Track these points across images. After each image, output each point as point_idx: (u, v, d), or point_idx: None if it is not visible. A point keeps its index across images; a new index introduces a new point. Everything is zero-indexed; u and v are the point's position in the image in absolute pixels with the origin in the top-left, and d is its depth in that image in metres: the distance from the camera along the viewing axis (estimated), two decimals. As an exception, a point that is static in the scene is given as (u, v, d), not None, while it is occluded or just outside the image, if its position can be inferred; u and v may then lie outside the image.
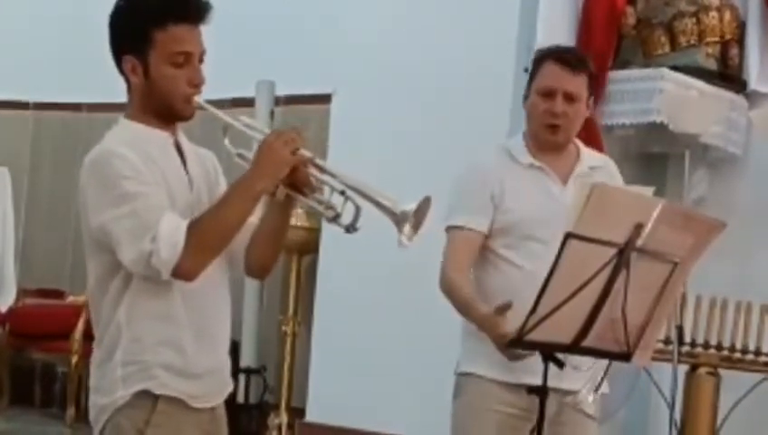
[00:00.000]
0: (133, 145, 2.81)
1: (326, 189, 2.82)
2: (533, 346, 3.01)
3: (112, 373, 2.83)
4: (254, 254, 2.98)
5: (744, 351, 5.17)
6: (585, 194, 2.89)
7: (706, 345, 5.19)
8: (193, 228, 2.72)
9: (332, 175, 2.80)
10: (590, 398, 3.43)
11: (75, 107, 8.70)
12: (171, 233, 2.70)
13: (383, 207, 2.74)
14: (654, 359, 4.49)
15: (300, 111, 7.43)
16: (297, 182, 2.82)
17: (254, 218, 2.94)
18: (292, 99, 7.54)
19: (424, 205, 2.76)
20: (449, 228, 3.57)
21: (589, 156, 3.70)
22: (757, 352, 5.17)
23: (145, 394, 2.82)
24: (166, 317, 2.82)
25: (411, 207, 2.73)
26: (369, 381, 6.20)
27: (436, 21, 6.15)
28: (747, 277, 5.51)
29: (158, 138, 2.89)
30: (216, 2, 2.88)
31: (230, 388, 3.02)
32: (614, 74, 5.71)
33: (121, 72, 2.90)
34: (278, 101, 7.56)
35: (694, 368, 5.21)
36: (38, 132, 9.05)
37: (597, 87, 5.68)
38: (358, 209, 2.75)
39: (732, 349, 5.18)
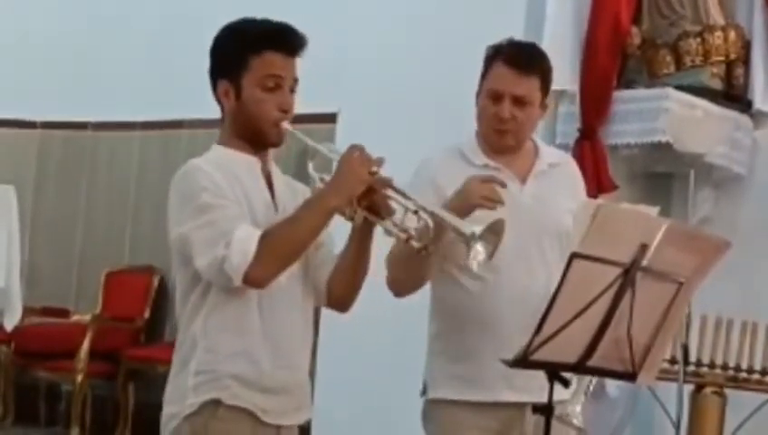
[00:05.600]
0: (220, 166, 2.88)
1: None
2: (539, 365, 3.00)
3: (184, 383, 2.87)
4: (335, 286, 3.03)
5: (750, 371, 5.16)
6: (590, 213, 2.89)
7: (712, 365, 5.17)
8: (265, 238, 2.78)
9: (407, 197, 2.88)
10: (578, 409, 3.41)
11: (81, 126, 8.71)
12: (244, 241, 2.76)
13: (453, 227, 2.87)
14: (659, 378, 4.48)
15: (305, 130, 7.39)
16: (374, 205, 2.89)
17: (336, 251, 3.00)
18: (298, 118, 7.50)
19: (496, 225, 2.87)
20: None
21: (548, 153, 3.56)
22: (763, 372, 5.15)
23: (214, 403, 2.85)
24: (242, 329, 2.86)
25: (479, 228, 2.84)
26: (375, 403, 6.18)
27: (442, 40, 6.15)
28: (753, 297, 5.49)
29: (245, 161, 2.96)
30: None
31: (308, 413, 3.02)
32: (619, 94, 5.71)
33: (217, 97, 2.97)
34: (283, 120, 7.54)
35: (699, 388, 5.19)
36: (43, 151, 9.06)
37: (602, 107, 5.72)
38: (428, 228, 2.86)
39: (737, 369, 5.17)
